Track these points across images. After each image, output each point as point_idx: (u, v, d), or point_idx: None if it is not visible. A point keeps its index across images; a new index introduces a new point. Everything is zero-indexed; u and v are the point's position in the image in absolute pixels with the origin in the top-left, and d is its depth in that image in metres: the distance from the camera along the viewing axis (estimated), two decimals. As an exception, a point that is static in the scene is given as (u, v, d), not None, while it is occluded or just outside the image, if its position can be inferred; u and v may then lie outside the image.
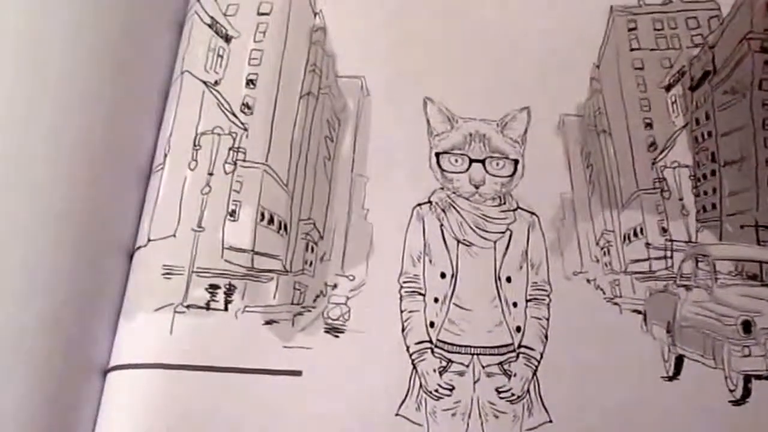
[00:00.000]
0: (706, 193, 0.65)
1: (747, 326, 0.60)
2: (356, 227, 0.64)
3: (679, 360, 0.61)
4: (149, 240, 0.63)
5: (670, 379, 0.60)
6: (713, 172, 0.66)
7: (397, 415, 0.59)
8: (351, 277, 0.63)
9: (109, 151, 0.63)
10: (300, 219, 0.65)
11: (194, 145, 0.66)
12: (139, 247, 0.63)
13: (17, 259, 0.57)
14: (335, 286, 0.63)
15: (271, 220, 0.64)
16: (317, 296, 0.63)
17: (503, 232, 0.63)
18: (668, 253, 0.64)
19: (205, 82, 0.68)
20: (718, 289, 0.62)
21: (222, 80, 0.68)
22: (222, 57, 0.69)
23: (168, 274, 0.62)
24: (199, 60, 0.69)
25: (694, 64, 0.69)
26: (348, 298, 0.62)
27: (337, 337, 0.61)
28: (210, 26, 0.70)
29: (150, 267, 0.62)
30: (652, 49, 0.69)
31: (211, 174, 0.65)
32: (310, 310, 0.62)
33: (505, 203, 0.64)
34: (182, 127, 0.67)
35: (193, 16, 0.71)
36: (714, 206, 0.65)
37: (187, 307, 0.61)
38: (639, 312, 0.62)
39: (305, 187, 0.66)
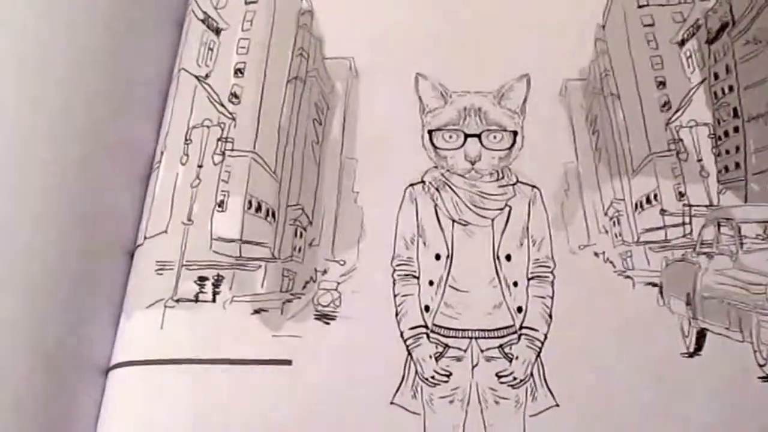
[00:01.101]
0: (728, 151, 0.61)
1: (779, 294, 0.56)
2: (346, 211, 0.63)
3: (701, 334, 0.57)
4: (146, 238, 0.63)
5: (691, 355, 0.56)
6: (736, 129, 0.62)
7: (391, 403, 0.56)
8: (341, 262, 0.61)
9: (110, 150, 0.64)
10: (288, 205, 0.63)
11: (185, 140, 0.66)
12: (138, 246, 0.64)
13: (17, 259, 0.57)
14: (325, 271, 0.61)
15: (258, 208, 0.63)
16: (307, 283, 0.61)
17: (501, 209, 0.61)
18: (686, 219, 0.60)
19: (197, 77, 0.68)
20: (744, 255, 0.58)
21: (212, 72, 0.68)
22: (212, 50, 0.69)
23: (160, 270, 0.62)
24: (193, 56, 0.69)
25: (710, 16, 0.65)
26: (338, 284, 0.60)
27: (327, 324, 0.59)
28: (203, 21, 0.71)
29: (146, 264, 0.62)
30: (661, 5, 0.66)
31: (200, 166, 0.65)
32: (299, 297, 0.61)
33: (503, 178, 0.61)
34: (177, 123, 0.67)
35: (190, 13, 0.72)
36: (738, 165, 0.61)
37: (177, 301, 0.60)
38: (654, 284, 0.58)
39: (293, 173, 0.64)
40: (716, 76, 0.64)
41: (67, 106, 0.62)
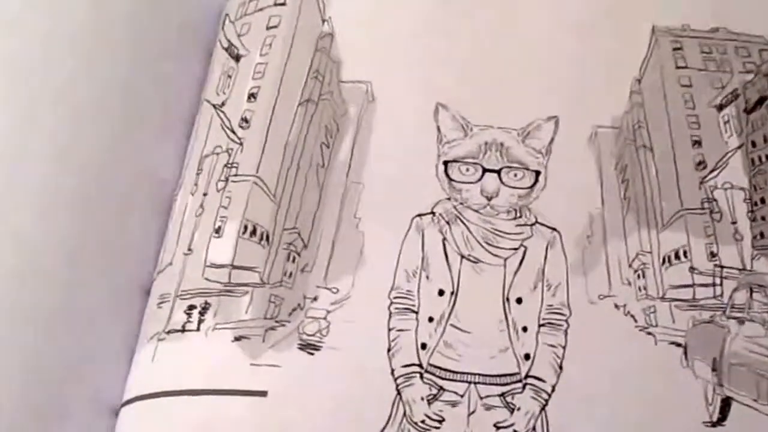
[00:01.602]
0: (764, 218, 0.58)
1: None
2: (345, 236, 0.59)
3: (726, 403, 0.52)
4: (158, 273, 0.63)
5: (714, 424, 0.52)
6: (773, 196, 0.59)
7: None
8: (334, 290, 0.57)
9: (132, 184, 0.64)
10: (284, 228, 0.60)
11: (198, 170, 0.64)
12: (153, 281, 0.63)
13: (31, 293, 0.57)
14: (315, 298, 0.57)
15: (253, 232, 0.60)
16: (294, 309, 0.57)
17: (516, 249, 0.57)
18: (717, 280, 0.56)
19: (214, 105, 0.67)
20: (777, 327, 0.54)
21: (228, 100, 0.66)
22: (231, 77, 0.67)
23: (161, 303, 0.60)
24: (214, 85, 0.68)
25: (748, 87, 0.63)
26: (328, 312, 0.56)
27: (311, 354, 0.55)
28: (226, 49, 0.69)
29: (152, 299, 0.62)
30: (700, 70, 0.64)
31: (205, 194, 0.63)
32: (284, 325, 0.57)
33: (521, 217, 0.58)
34: (194, 154, 0.66)
35: (217, 43, 0.71)
36: (774, 232, 0.58)
37: (168, 332, 0.58)
38: (678, 345, 0.54)
39: (293, 195, 0.61)
40: (754, 144, 0.61)
41: (89, 141, 0.62)
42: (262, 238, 0.60)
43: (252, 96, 0.65)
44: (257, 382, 0.55)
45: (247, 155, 0.63)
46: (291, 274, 0.59)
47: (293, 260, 0.59)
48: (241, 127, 0.64)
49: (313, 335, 0.56)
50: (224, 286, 0.58)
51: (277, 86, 0.65)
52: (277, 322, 0.57)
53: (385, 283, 0.57)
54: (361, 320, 0.56)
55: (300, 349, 0.55)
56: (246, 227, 0.60)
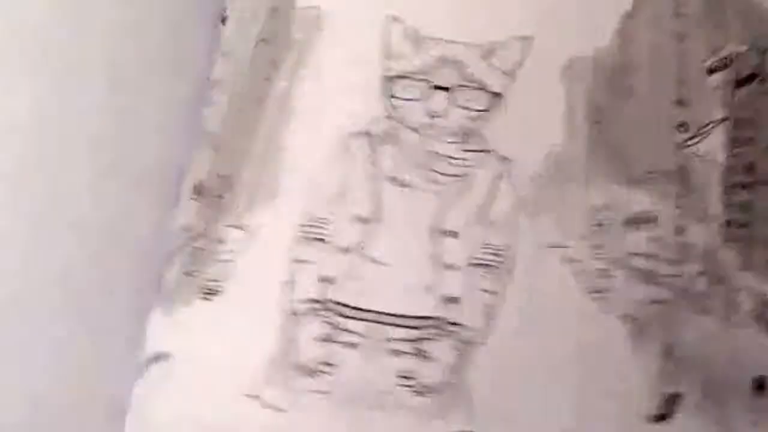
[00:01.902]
0: (739, 205, 0.51)
1: (760, 386, 0.46)
2: (267, 167, 0.53)
3: (672, 397, 0.45)
4: None
5: (657, 419, 0.45)
6: (745, 186, 0.52)
7: (247, 395, 0.46)
8: (245, 227, 0.52)
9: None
10: (219, 175, 0.55)
11: None
12: None
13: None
14: (221, 240, 0.52)
15: (195, 188, 0.56)
16: (205, 257, 0.52)
17: (458, 176, 0.49)
18: (680, 257, 0.49)
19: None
20: (734, 328, 0.47)
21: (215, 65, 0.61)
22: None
23: None
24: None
25: (741, 59, 0.57)
26: (234, 252, 0.51)
27: (210, 300, 0.51)
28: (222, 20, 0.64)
29: None
30: (697, 26, 0.57)
31: None
32: (194, 276, 0.52)
33: (468, 142, 0.50)
34: None
35: None
36: (743, 225, 0.51)
37: None
38: (630, 318, 0.47)
39: (232, 139, 0.56)
40: (737, 123, 0.55)
41: (104, 120, 0.60)
42: (197, 193, 0.55)
43: (224, 54, 0.60)
44: (164, 344, 0.51)
45: (210, 113, 0.58)
46: (212, 219, 0.54)
47: (216, 206, 0.54)
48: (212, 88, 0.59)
49: (214, 280, 0.51)
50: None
51: (242, 33, 0.59)
52: (190, 275, 0.52)
53: (297, 210, 0.50)
54: (265, 255, 0.50)
55: (203, 298, 0.51)
56: (194, 186, 0.56)
